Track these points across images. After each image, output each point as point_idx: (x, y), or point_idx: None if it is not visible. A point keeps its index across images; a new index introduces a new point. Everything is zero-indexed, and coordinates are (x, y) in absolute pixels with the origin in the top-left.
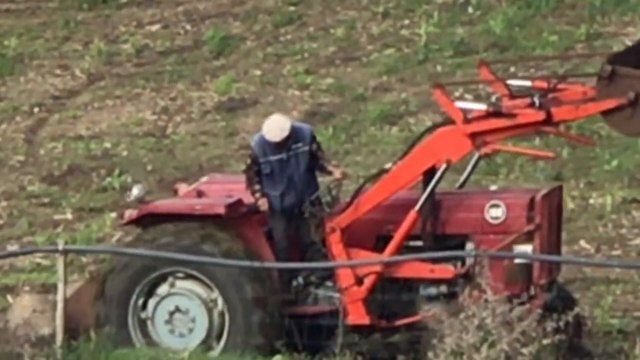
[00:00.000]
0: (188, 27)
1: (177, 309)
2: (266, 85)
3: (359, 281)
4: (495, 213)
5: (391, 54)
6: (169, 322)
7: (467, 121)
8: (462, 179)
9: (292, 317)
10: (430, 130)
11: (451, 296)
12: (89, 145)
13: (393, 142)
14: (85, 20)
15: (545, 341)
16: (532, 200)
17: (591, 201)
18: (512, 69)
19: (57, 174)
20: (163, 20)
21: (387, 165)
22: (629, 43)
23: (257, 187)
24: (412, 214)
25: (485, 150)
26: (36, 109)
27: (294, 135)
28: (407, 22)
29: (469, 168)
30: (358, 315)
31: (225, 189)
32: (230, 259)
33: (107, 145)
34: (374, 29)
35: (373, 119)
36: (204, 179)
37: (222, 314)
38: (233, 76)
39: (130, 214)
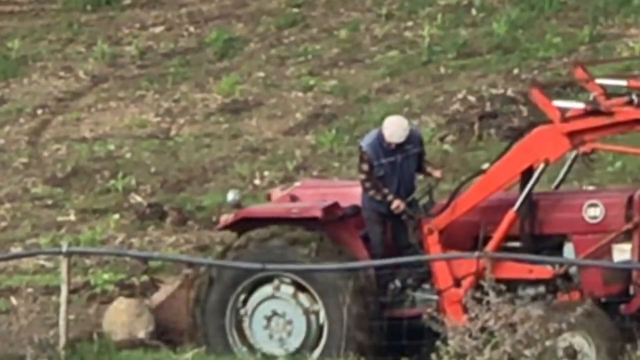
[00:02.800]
0: (191, 29)
1: (275, 314)
2: (270, 87)
3: (457, 283)
4: (594, 212)
5: (394, 55)
6: (266, 326)
7: (565, 120)
8: (558, 179)
9: (389, 320)
10: (527, 129)
11: (550, 296)
12: (92, 147)
13: None
14: (88, 22)
15: (548, 343)
16: (630, 199)
17: None
18: (516, 71)
19: (61, 176)
20: (166, 22)
21: (485, 166)
22: (632, 45)
23: (385, 190)
24: (510, 215)
25: (584, 149)
26: (40, 111)
27: (407, 136)
28: (410, 24)
29: (565, 168)
30: (456, 318)
31: (319, 193)
32: (327, 263)
33: (111, 147)
34: (377, 30)
35: (376, 120)
36: (297, 183)
37: (320, 318)
38: (236, 78)
39: (226, 218)
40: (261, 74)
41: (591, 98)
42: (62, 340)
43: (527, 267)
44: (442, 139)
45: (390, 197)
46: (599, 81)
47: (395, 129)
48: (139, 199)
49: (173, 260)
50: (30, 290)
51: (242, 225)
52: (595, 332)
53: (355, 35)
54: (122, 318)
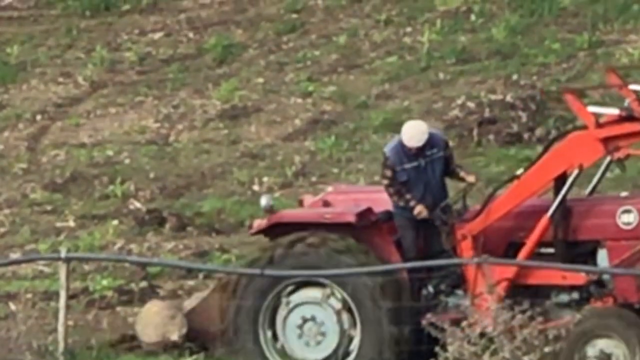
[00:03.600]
0: (190, 34)
1: (308, 319)
2: (269, 93)
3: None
4: (627, 218)
5: (393, 61)
6: (299, 331)
7: (599, 126)
8: (592, 184)
9: (422, 326)
10: (562, 135)
11: (583, 303)
12: (91, 152)
13: None
14: (87, 28)
15: (546, 349)
16: None
17: None
18: (515, 77)
19: (60, 182)
20: (165, 28)
21: (519, 172)
22: (632, 51)
23: (408, 195)
24: (544, 221)
25: (618, 154)
26: (39, 117)
27: (430, 140)
28: (409, 29)
29: (599, 174)
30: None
31: (351, 199)
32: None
33: (110, 152)
34: (376, 36)
35: (375, 126)
36: (330, 189)
37: (352, 345)
38: (235, 84)
39: (259, 223)
40: (260, 80)
41: (626, 104)
42: (61, 346)
43: (560, 274)
44: None
45: (412, 203)
46: (632, 87)
47: (413, 132)
48: (138, 204)
49: (172, 266)
50: (29, 295)
51: (276, 230)
52: (631, 339)
53: (354, 41)
54: (155, 320)
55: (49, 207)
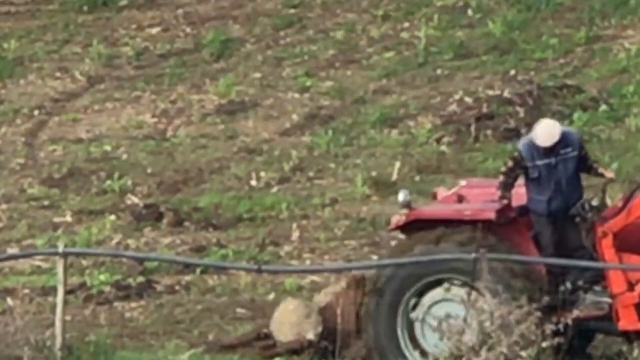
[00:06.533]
0: (188, 30)
1: (447, 316)
2: (266, 88)
3: (631, 287)
4: None
5: (391, 57)
6: (438, 329)
7: None
8: None
9: (560, 323)
10: None
11: None
12: (89, 148)
13: (393, 145)
14: (85, 23)
15: (544, 344)
16: None
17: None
18: (512, 72)
19: (57, 177)
20: (163, 23)
21: None
22: (629, 46)
23: (507, 194)
24: None
25: None
26: (36, 112)
27: (564, 140)
28: (407, 25)
29: None
30: (630, 321)
31: (486, 193)
32: (501, 265)
33: (107, 148)
34: (374, 32)
35: (373, 122)
36: (463, 183)
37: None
38: (233, 79)
39: (398, 219)
40: (258, 75)
41: None
42: (59, 342)
43: None
44: (438, 141)
45: (504, 202)
46: None
47: (543, 132)
48: (135, 200)
49: (169, 262)
50: (26, 291)
51: (414, 226)
52: None
53: (351, 36)
54: (291, 319)
55: (46, 203)
